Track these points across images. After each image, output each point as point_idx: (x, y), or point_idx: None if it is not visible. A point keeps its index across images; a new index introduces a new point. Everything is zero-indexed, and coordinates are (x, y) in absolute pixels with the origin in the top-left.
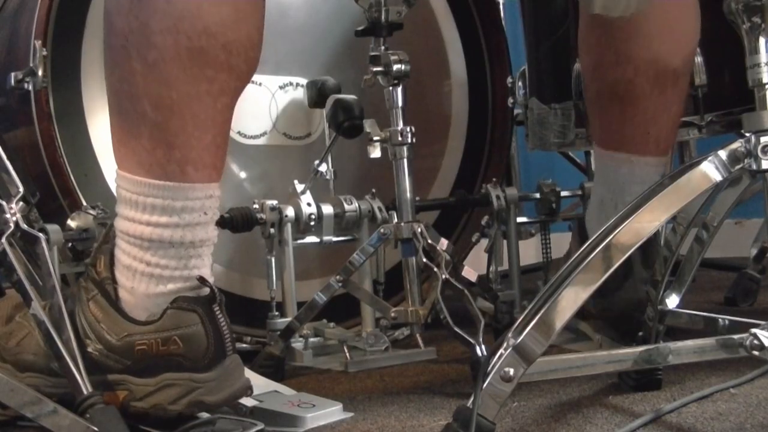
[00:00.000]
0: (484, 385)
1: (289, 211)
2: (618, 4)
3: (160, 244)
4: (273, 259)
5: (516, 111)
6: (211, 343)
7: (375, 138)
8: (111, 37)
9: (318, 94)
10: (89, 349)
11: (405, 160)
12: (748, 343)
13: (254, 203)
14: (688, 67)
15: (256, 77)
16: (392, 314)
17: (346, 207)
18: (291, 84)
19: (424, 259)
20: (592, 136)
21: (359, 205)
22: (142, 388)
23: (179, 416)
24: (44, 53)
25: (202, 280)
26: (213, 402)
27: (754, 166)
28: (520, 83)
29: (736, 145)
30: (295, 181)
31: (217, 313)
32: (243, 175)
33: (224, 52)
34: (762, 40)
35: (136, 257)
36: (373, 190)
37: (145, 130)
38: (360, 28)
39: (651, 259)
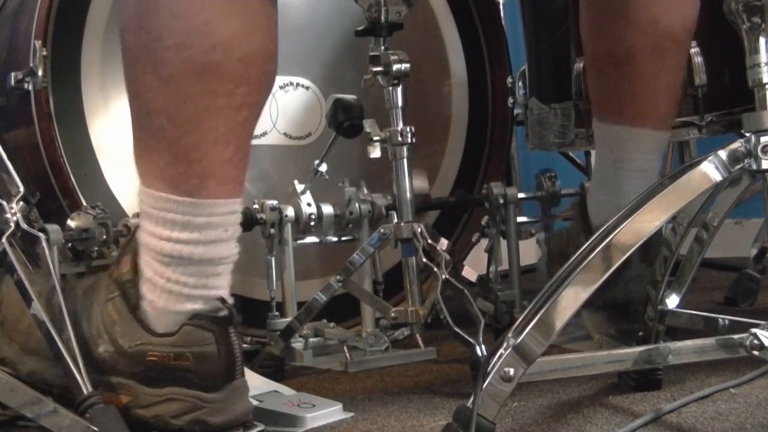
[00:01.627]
0: (484, 385)
1: (289, 211)
2: None
3: (180, 260)
4: (273, 259)
5: (516, 111)
6: (222, 364)
7: (375, 138)
8: (125, 52)
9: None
10: (99, 350)
11: (405, 160)
12: (748, 343)
13: (254, 203)
14: (688, 35)
15: None
16: (392, 314)
17: (346, 207)
18: (291, 84)
19: (424, 259)
20: (591, 106)
21: (359, 205)
22: (147, 396)
23: (179, 431)
24: (44, 53)
25: (222, 302)
26: (215, 423)
27: (754, 166)
28: (520, 83)
29: (736, 145)
30: (295, 181)
31: (232, 335)
32: None
33: (242, 65)
34: (762, 40)
35: (157, 272)
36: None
37: (164, 145)
38: (360, 28)
39: (651, 255)
